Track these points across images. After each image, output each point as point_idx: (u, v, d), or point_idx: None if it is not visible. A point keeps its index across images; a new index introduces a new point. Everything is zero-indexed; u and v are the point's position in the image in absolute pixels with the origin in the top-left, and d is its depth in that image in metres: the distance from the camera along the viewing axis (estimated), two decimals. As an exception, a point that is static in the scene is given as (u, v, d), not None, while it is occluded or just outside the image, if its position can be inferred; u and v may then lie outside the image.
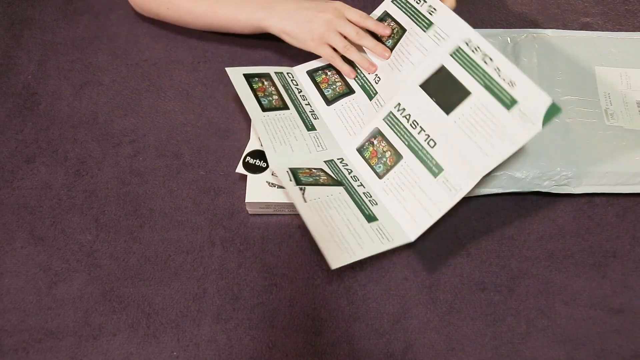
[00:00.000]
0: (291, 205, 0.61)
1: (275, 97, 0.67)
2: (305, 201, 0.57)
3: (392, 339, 0.56)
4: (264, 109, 0.65)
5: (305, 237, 0.62)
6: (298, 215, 0.63)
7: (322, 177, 0.61)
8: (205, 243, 0.61)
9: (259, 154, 0.63)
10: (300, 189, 0.58)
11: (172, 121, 0.70)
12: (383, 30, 0.66)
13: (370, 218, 0.58)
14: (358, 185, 0.61)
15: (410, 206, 0.58)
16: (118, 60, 0.75)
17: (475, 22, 0.79)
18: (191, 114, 0.70)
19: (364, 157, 0.63)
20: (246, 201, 0.60)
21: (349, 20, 0.66)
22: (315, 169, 0.62)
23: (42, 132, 0.69)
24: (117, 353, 0.55)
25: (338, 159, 0.64)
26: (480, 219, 0.63)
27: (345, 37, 0.66)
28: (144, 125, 0.70)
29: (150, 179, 0.65)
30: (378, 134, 0.63)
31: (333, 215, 0.57)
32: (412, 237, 0.57)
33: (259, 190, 0.61)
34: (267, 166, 0.62)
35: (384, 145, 0.62)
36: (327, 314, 0.57)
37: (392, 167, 0.61)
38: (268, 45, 0.76)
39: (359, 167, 0.63)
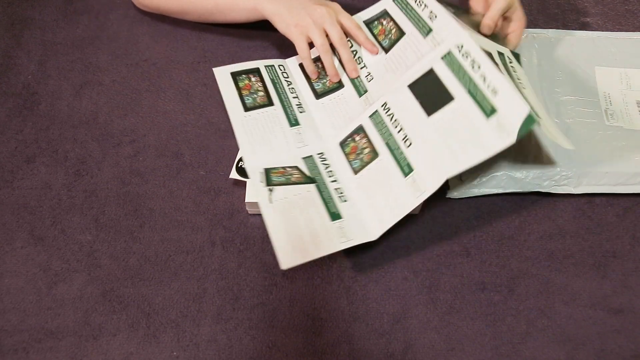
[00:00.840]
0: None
1: (261, 93, 0.67)
2: (270, 202, 0.58)
3: (392, 339, 0.56)
4: (246, 109, 0.66)
5: (305, 237, 0.62)
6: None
7: (295, 176, 0.61)
8: (205, 243, 0.61)
9: None
10: (270, 189, 0.59)
11: (172, 121, 0.70)
12: (371, 47, 0.66)
13: (335, 216, 0.58)
14: (332, 181, 0.62)
15: (377, 203, 0.59)
16: (118, 60, 0.75)
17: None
18: (191, 114, 0.70)
19: (344, 152, 0.63)
20: (246, 201, 0.60)
21: (340, 24, 0.66)
22: (290, 167, 0.62)
23: (42, 132, 0.69)
24: (117, 353, 0.55)
25: (318, 154, 0.64)
26: (480, 219, 0.63)
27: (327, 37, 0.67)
28: (144, 125, 0.70)
29: (150, 179, 0.65)
30: (361, 130, 0.63)
31: (296, 215, 0.57)
32: (375, 235, 0.57)
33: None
34: None
35: (364, 142, 0.62)
36: (327, 314, 0.57)
37: (367, 163, 0.61)
38: (267, 46, 0.76)
39: (338, 162, 0.63)
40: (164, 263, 0.60)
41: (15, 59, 0.75)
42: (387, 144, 0.61)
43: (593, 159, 0.64)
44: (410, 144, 0.59)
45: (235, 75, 0.69)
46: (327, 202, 0.59)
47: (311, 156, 0.64)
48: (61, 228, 0.62)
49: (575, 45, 0.74)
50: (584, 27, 0.79)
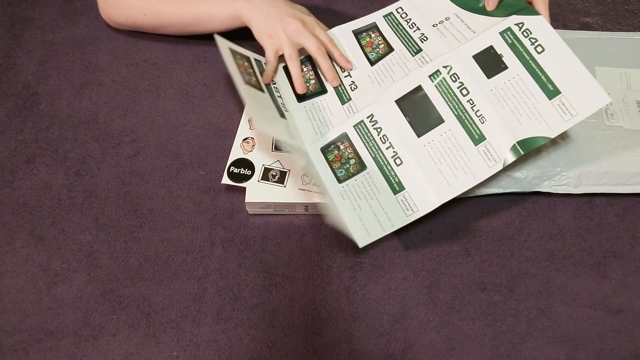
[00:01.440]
0: (291, 205, 0.61)
1: (254, 78, 0.66)
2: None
3: (392, 339, 0.56)
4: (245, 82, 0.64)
5: (306, 237, 0.62)
6: (298, 215, 0.63)
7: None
8: (205, 243, 0.61)
9: (242, 163, 0.63)
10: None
11: (172, 121, 0.70)
12: (346, 64, 0.67)
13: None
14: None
15: (364, 215, 0.59)
16: (118, 60, 0.75)
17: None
18: (191, 114, 0.70)
19: (326, 159, 0.62)
20: (246, 201, 0.60)
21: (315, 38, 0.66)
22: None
23: (42, 132, 0.69)
24: (117, 353, 0.55)
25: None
26: (480, 219, 0.63)
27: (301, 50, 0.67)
28: (144, 125, 0.70)
29: (150, 179, 0.65)
30: (345, 139, 0.63)
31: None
32: (360, 244, 0.57)
33: (258, 190, 0.61)
34: (252, 173, 0.62)
35: (350, 152, 0.62)
36: (327, 314, 0.57)
37: (353, 174, 0.61)
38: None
39: (319, 168, 0.62)
40: (164, 263, 0.60)
41: (15, 59, 0.75)
42: (375, 159, 0.61)
43: (593, 159, 0.63)
44: (402, 163, 0.60)
45: (232, 52, 0.67)
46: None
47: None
48: (61, 228, 0.62)
49: (575, 45, 0.74)
50: (584, 27, 0.79)
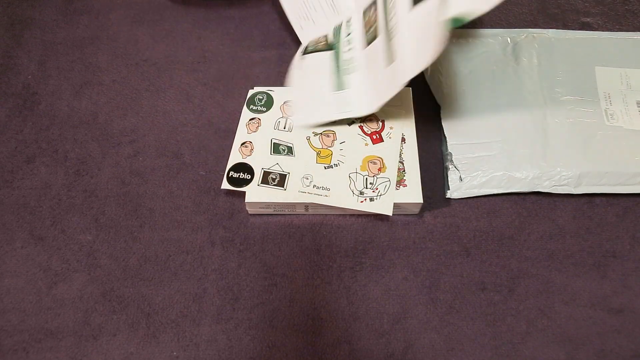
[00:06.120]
0: (291, 205, 0.61)
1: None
2: (299, 68, 0.65)
3: (392, 339, 0.56)
4: None
5: (306, 237, 0.62)
6: (298, 215, 0.63)
7: (321, 43, 0.66)
8: (205, 243, 0.61)
9: (241, 167, 0.63)
10: (302, 57, 0.65)
11: (172, 121, 0.70)
12: None
13: (340, 86, 0.63)
14: (347, 51, 0.64)
15: (370, 82, 0.61)
16: (118, 60, 0.75)
17: (475, 22, 0.79)
18: (191, 114, 0.71)
19: (363, 21, 0.64)
20: (246, 201, 0.61)
21: None
22: (321, 36, 0.67)
23: (42, 132, 0.69)
24: (117, 353, 0.55)
25: (346, 21, 0.66)
26: (480, 219, 0.63)
27: None
28: (144, 125, 0.70)
29: (150, 179, 0.65)
30: (373, 3, 0.63)
31: (310, 80, 0.63)
32: (365, 112, 0.61)
33: (259, 190, 0.61)
34: (252, 177, 0.62)
35: (374, 19, 0.63)
36: (327, 314, 0.57)
37: (371, 41, 0.62)
38: (268, 46, 0.76)
39: (357, 30, 0.64)
40: (164, 263, 0.60)
41: (15, 59, 0.75)
42: (384, 27, 0.61)
43: (593, 159, 0.64)
44: (394, 37, 0.59)
45: None
46: (338, 71, 0.63)
47: (340, 24, 0.66)
48: (61, 228, 0.62)
49: (575, 45, 0.74)
50: (584, 27, 0.79)
